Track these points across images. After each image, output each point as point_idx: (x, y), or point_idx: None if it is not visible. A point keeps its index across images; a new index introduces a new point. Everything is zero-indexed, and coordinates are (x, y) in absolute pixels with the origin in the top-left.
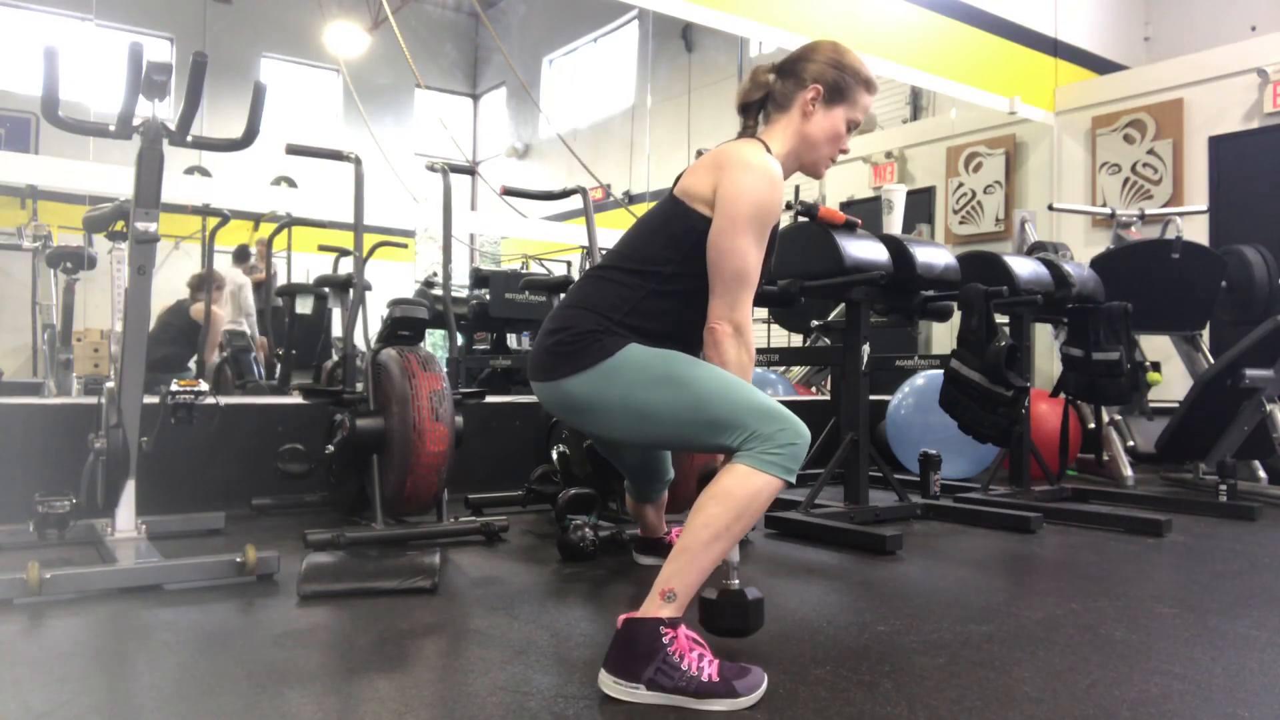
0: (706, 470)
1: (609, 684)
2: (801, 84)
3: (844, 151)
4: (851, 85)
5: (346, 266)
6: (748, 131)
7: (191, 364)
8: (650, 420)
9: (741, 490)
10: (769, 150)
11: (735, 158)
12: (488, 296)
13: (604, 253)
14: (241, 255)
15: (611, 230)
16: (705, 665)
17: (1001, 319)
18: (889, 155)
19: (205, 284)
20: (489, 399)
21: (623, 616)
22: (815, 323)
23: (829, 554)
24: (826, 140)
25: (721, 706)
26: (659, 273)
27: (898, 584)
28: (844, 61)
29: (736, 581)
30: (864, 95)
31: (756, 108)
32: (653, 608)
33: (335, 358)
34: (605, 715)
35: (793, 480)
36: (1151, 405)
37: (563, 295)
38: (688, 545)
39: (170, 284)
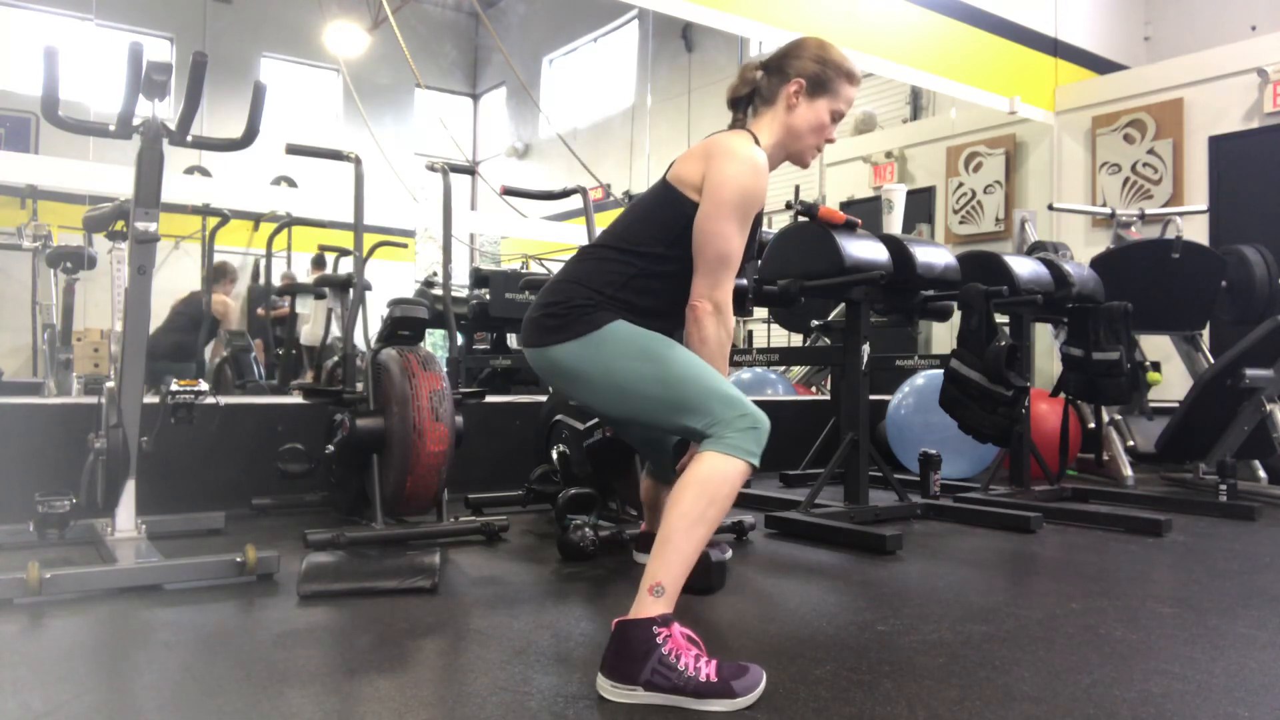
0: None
1: (606, 689)
2: (785, 78)
3: (829, 140)
4: (833, 78)
5: (346, 266)
6: (737, 124)
7: (208, 353)
8: (625, 392)
9: (713, 476)
10: (757, 141)
11: (723, 147)
12: (488, 296)
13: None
14: (319, 262)
15: None
16: (702, 665)
17: (1001, 319)
18: (889, 155)
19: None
20: (489, 399)
21: (616, 620)
22: (815, 323)
23: (829, 554)
24: (810, 130)
25: (720, 707)
26: (649, 253)
27: (898, 584)
28: (826, 56)
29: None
30: (846, 87)
31: (745, 102)
32: (644, 606)
33: (335, 357)
34: (605, 715)
35: (757, 464)
36: (1151, 405)
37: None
38: (668, 536)
39: (171, 283)
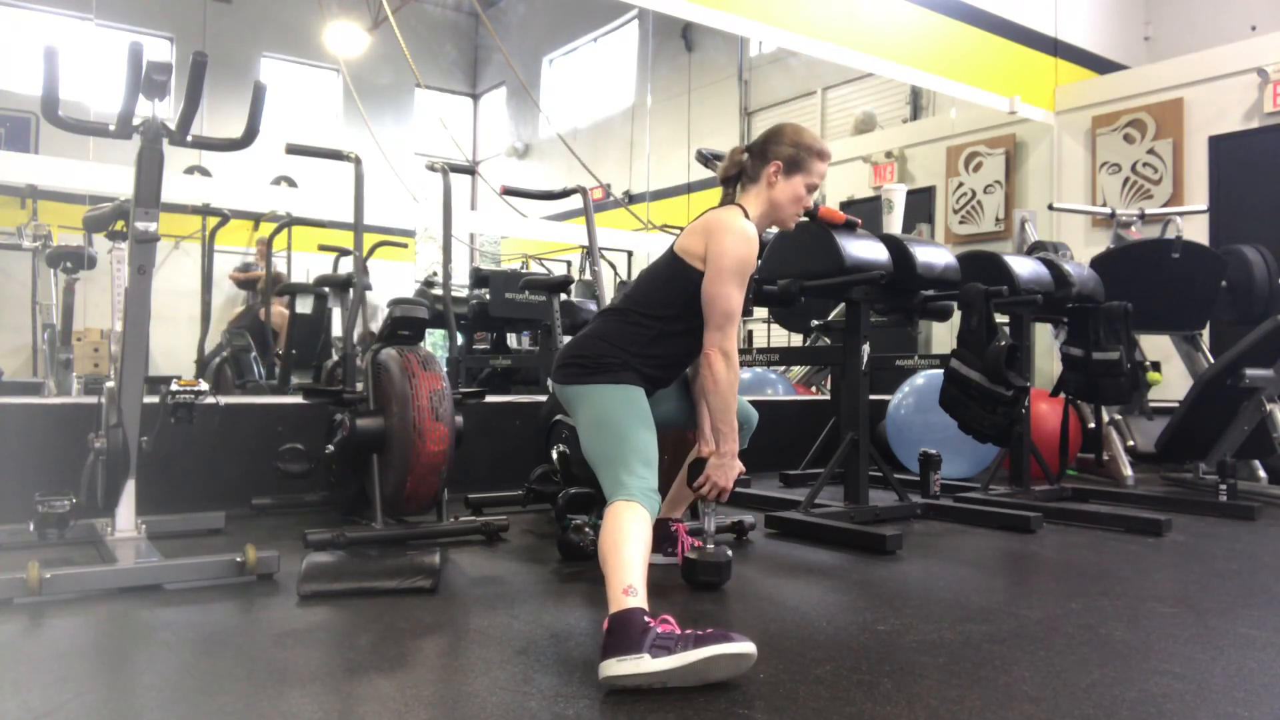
0: (695, 460)
1: (612, 666)
2: (766, 161)
3: (807, 207)
4: (806, 158)
5: (346, 266)
6: (728, 199)
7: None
8: (589, 434)
9: (631, 514)
10: (746, 213)
11: (720, 224)
12: (488, 296)
13: (620, 286)
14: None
15: (611, 230)
16: (691, 630)
17: (1001, 319)
18: (889, 155)
19: (206, 282)
20: (489, 399)
21: (606, 618)
22: (815, 323)
23: (829, 554)
24: (789, 202)
25: (719, 650)
26: (665, 315)
27: (898, 584)
28: (800, 140)
29: (712, 546)
30: (817, 163)
31: (734, 180)
32: (624, 603)
33: (335, 357)
34: (605, 714)
35: (655, 511)
36: (1151, 405)
37: (589, 323)
38: (615, 549)
39: (170, 283)
